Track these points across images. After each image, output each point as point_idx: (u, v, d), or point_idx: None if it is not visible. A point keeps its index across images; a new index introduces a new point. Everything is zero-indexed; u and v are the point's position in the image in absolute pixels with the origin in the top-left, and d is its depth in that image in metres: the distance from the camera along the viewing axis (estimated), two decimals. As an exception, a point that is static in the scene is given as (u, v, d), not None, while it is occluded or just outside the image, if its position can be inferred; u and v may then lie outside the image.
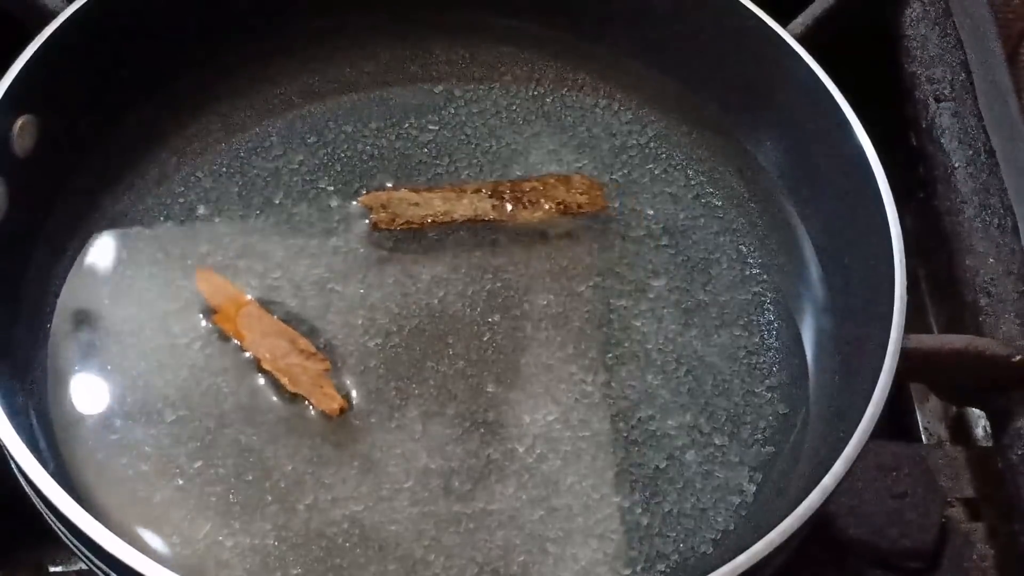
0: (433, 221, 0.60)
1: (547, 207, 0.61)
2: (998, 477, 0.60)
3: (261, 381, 0.55)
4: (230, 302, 0.57)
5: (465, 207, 0.60)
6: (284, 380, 0.55)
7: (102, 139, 0.62)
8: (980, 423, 0.69)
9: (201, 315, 0.57)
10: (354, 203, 0.61)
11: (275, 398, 0.55)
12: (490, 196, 0.61)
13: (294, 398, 0.55)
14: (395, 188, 0.61)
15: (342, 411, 0.54)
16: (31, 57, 0.56)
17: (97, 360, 0.56)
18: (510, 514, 0.53)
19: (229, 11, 0.64)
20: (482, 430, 0.55)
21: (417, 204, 0.60)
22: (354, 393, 0.56)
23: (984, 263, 0.65)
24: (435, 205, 0.60)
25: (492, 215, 0.60)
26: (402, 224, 0.60)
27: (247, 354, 0.56)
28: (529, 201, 0.61)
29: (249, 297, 0.57)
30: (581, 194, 0.62)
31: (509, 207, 0.61)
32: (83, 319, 0.57)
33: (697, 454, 0.56)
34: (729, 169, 0.65)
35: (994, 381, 0.61)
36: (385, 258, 0.60)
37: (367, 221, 0.60)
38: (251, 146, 0.63)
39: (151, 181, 0.62)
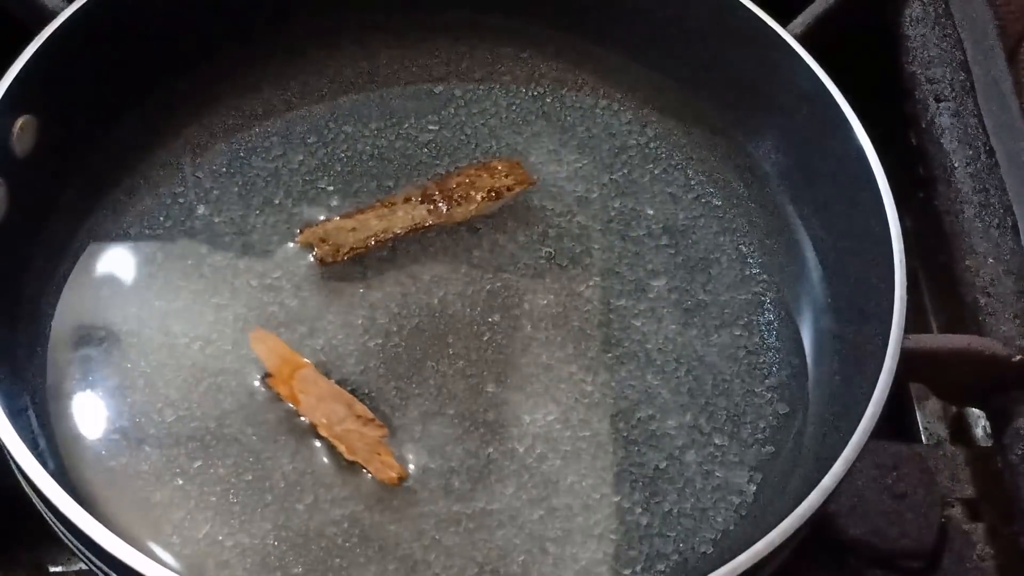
0: (377, 242, 0.59)
1: (479, 198, 0.60)
2: (998, 477, 0.60)
3: (317, 444, 0.54)
4: (285, 364, 0.55)
5: (402, 219, 0.60)
6: (341, 448, 0.53)
7: (102, 139, 0.61)
8: (980, 423, 0.69)
9: (257, 378, 0.55)
10: (337, 219, 0.60)
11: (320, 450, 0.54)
12: (422, 202, 0.60)
13: (351, 465, 0.53)
14: (328, 220, 0.60)
15: (400, 480, 0.53)
16: (31, 57, 0.56)
17: (97, 360, 0.56)
18: (510, 514, 0.53)
19: (229, 11, 0.64)
20: (482, 430, 0.55)
21: (355, 229, 0.59)
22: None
23: (984, 263, 0.65)
24: (372, 225, 0.59)
25: (430, 220, 0.60)
26: (347, 253, 0.58)
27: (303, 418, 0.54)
28: (461, 197, 0.60)
29: (306, 360, 0.55)
30: (506, 176, 0.61)
31: (444, 208, 0.60)
32: (83, 319, 0.57)
33: (697, 454, 0.56)
34: (729, 169, 0.65)
35: (994, 381, 0.61)
36: (385, 258, 0.60)
37: (312, 258, 0.59)
38: (251, 146, 0.63)
39: (151, 181, 0.62)
